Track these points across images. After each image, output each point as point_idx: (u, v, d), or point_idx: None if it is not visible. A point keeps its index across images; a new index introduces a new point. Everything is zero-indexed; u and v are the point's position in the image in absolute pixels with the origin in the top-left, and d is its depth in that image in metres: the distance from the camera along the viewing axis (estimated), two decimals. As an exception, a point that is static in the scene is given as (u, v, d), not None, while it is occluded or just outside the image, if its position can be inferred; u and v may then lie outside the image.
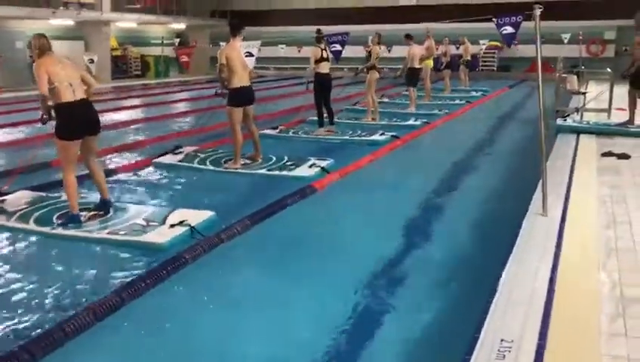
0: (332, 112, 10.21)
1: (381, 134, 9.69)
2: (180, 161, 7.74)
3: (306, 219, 5.60)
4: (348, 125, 10.95)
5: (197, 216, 5.15)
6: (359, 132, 10.10)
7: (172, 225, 4.96)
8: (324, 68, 9.69)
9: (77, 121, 5.19)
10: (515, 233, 4.49)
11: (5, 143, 9.63)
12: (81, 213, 5.28)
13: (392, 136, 9.57)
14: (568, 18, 22.93)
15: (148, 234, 4.87)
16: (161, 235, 4.82)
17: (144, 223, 5.10)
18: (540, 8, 4.64)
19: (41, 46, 5.16)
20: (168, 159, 7.83)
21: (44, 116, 5.11)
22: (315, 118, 10.23)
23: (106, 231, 5.00)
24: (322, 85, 9.80)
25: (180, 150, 8.15)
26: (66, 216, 5.27)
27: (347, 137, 9.77)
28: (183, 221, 5.00)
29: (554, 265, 3.84)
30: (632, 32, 23.01)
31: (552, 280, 3.62)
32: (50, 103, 5.10)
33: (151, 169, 7.62)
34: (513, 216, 5.00)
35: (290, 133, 10.27)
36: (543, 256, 4.02)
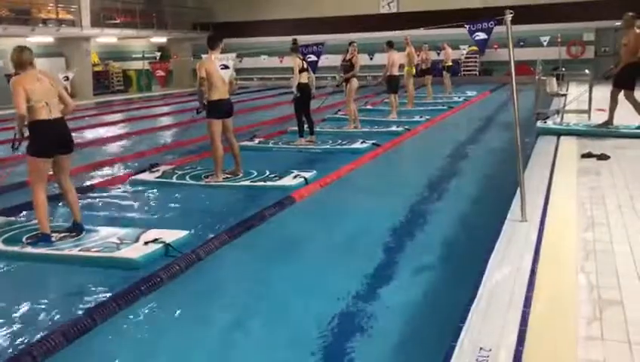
0: (312, 122, 10.17)
1: (362, 142, 9.67)
2: (157, 178, 7.63)
3: (285, 231, 5.54)
4: (329, 134, 10.92)
5: (171, 235, 5.05)
6: (340, 141, 10.07)
7: (146, 243, 4.86)
8: (304, 78, 9.69)
9: (50, 138, 5.08)
10: (494, 239, 4.45)
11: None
12: (52, 234, 5.17)
13: (373, 143, 9.55)
14: (547, 21, 23.19)
15: (121, 250, 4.78)
16: (134, 251, 4.73)
17: (117, 241, 5.00)
18: (511, 13, 4.63)
19: (20, 60, 5.01)
20: (145, 176, 7.72)
21: (16, 139, 5.03)
22: (296, 129, 10.19)
23: (78, 248, 4.91)
24: (303, 96, 9.78)
25: (157, 168, 8.03)
26: (36, 236, 5.15)
27: (328, 146, 9.74)
28: (158, 238, 4.91)
29: (532, 270, 3.81)
30: (611, 33, 23.37)
31: (530, 286, 3.58)
32: (25, 122, 5.00)
33: (128, 187, 7.48)
34: (493, 222, 4.97)
35: (270, 144, 10.22)
36: (522, 261, 3.98)
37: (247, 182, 7.27)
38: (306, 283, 4.31)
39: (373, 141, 9.69)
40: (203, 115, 7.49)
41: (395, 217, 5.75)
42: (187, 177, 7.59)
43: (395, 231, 5.40)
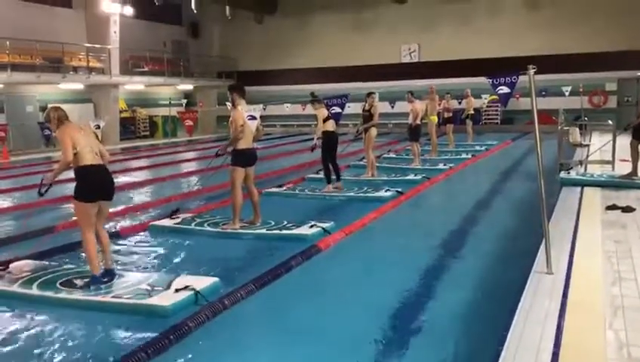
0: (338, 169, 10.33)
1: (386, 190, 9.74)
2: (177, 224, 7.73)
3: (310, 281, 5.57)
4: (354, 183, 11.01)
5: (201, 282, 5.13)
6: (365, 188, 10.16)
7: (177, 290, 4.94)
8: (330, 126, 9.90)
9: (97, 183, 5.33)
10: (520, 292, 4.44)
11: (12, 208, 9.72)
12: (83, 280, 5.30)
13: (397, 191, 9.61)
14: (569, 70, 23.34)
15: (153, 297, 4.86)
16: (165, 299, 4.81)
17: (149, 288, 5.10)
18: (534, 68, 4.73)
19: (59, 117, 5.37)
20: (166, 223, 7.83)
21: (44, 184, 5.24)
22: (317, 176, 10.32)
23: (110, 295, 5.00)
24: (330, 143, 9.99)
25: (178, 215, 8.13)
26: (86, 279, 5.30)
27: (353, 194, 9.83)
28: (188, 286, 4.98)
29: (559, 325, 3.79)
30: (634, 83, 23.42)
31: (557, 342, 3.56)
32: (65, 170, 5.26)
33: (148, 233, 7.58)
34: (518, 275, 4.96)
35: (297, 191, 10.34)
36: (548, 316, 3.96)
37: (263, 230, 7.31)
38: (330, 335, 4.32)
39: (398, 189, 9.76)
40: (227, 161, 7.62)
41: (419, 269, 5.74)
42: (206, 224, 7.67)
43: (419, 283, 5.39)
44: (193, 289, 4.92)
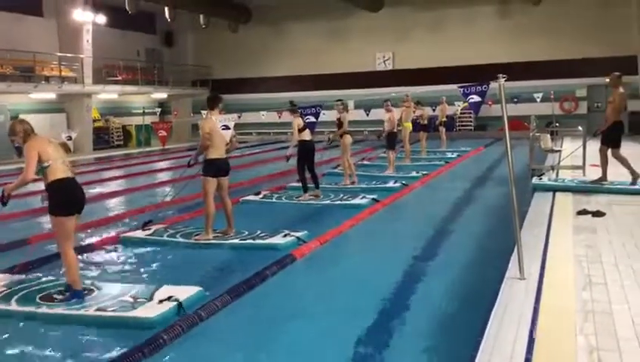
0: (316, 177, 10.36)
1: (362, 198, 9.79)
2: (149, 236, 7.64)
3: (286, 290, 5.56)
4: (331, 190, 11.03)
5: (184, 292, 5.11)
6: (342, 195, 10.19)
7: (161, 301, 4.90)
8: (306, 135, 9.92)
9: (73, 196, 5.22)
10: (494, 298, 4.48)
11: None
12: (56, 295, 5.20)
13: (373, 199, 9.66)
14: (540, 77, 23.77)
15: (137, 309, 4.81)
16: (150, 310, 4.75)
17: (132, 300, 5.03)
18: (504, 77, 4.81)
19: (26, 130, 5.22)
20: (138, 234, 7.74)
21: (5, 197, 5.14)
22: (297, 185, 10.35)
23: (94, 308, 4.92)
24: (306, 152, 10.02)
25: (150, 226, 8.04)
26: (66, 293, 5.18)
27: (329, 201, 9.85)
28: (171, 296, 4.94)
29: (531, 331, 3.83)
30: (603, 90, 23.88)
31: (529, 348, 3.60)
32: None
33: (121, 245, 7.47)
34: (492, 281, 5.01)
35: (274, 199, 10.33)
36: (520, 322, 4.01)
37: (236, 241, 7.25)
38: (305, 347, 4.31)
39: (373, 196, 9.81)
40: (200, 171, 7.59)
41: (394, 276, 5.76)
42: (178, 235, 7.58)
43: (395, 290, 5.41)
44: (176, 299, 4.89)
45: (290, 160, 10.20)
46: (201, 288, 5.27)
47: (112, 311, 4.83)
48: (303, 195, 10.13)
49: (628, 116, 21.12)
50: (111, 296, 5.17)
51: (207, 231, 7.41)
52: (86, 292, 5.24)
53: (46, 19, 23.25)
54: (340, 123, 11.38)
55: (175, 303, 4.84)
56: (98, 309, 4.88)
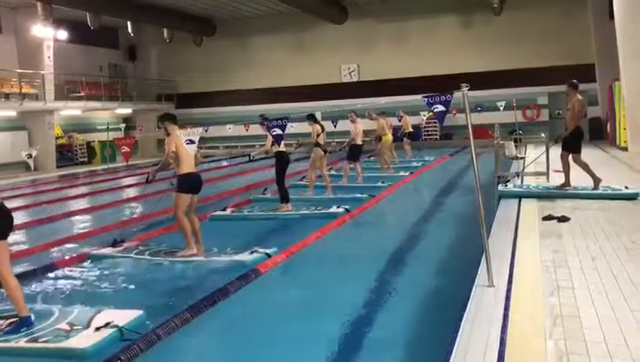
0: (285, 189, 10.29)
1: (338, 207, 9.79)
2: (118, 253, 7.47)
3: (251, 306, 5.47)
4: (305, 201, 10.97)
5: (124, 317, 4.86)
6: (316, 206, 10.19)
7: (97, 328, 4.64)
8: (282, 146, 9.92)
9: (8, 219, 4.97)
10: (463, 307, 4.47)
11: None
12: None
13: (345, 209, 9.65)
14: (502, 86, 24.24)
15: (71, 338, 4.54)
16: (84, 340, 4.49)
17: (68, 328, 4.75)
18: (467, 87, 4.84)
19: None
20: (106, 252, 7.57)
21: None
22: (264, 196, 10.26)
23: (25, 339, 4.60)
24: (283, 163, 10.03)
25: (121, 244, 7.85)
26: (14, 321, 4.91)
27: (306, 211, 9.83)
28: (110, 322, 4.70)
29: (502, 339, 3.82)
30: (563, 97, 24.40)
31: (500, 355, 3.59)
32: None
33: (87, 263, 7.29)
34: (462, 289, 5.01)
35: (245, 212, 10.20)
36: (491, 329, 4.00)
37: (201, 258, 7.12)
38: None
39: (346, 206, 9.80)
40: (171, 186, 7.48)
41: (362, 286, 5.73)
42: (146, 253, 7.41)
43: (362, 300, 5.38)
44: (115, 325, 4.65)
45: (252, 159, 10.68)
46: (141, 311, 5.01)
47: (44, 341, 4.53)
48: (280, 206, 10.07)
49: (588, 122, 21.68)
50: (48, 324, 4.87)
51: (189, 246, 7.26)
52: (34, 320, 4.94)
53: (4, 35, 22.81)
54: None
55: (113, 329, 4.60)
56: (30, 340, 4.57)
